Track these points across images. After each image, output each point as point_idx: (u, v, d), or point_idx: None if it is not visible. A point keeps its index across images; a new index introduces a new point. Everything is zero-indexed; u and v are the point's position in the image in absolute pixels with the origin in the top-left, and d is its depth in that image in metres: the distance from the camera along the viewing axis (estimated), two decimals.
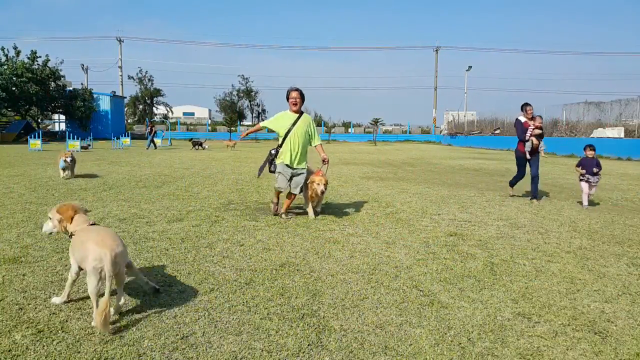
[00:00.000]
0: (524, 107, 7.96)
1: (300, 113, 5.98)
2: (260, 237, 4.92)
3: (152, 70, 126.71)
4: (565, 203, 7.75)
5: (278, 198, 6.24)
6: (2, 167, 12.41)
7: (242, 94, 60.32)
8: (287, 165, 5.86)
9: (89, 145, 24.74)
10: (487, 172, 13.50)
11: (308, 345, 2.53)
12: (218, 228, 5.29)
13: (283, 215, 6.01)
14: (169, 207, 6.54)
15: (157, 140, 30.84)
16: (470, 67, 50.34)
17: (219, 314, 2.90)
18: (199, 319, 2.82)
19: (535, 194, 7.92)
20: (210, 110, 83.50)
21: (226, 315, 2.88)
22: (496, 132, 37.52)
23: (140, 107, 59.99)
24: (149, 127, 26.53)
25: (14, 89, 33.70)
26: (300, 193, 5.99)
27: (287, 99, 5.96)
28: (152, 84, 59.71)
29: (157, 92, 59.62)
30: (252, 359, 2.38)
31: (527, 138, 7.75)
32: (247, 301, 3.12)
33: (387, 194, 8.33)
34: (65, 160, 9.48)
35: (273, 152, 6.07)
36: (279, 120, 6.01)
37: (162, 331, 2.64)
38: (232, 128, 47.60)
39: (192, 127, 56.45)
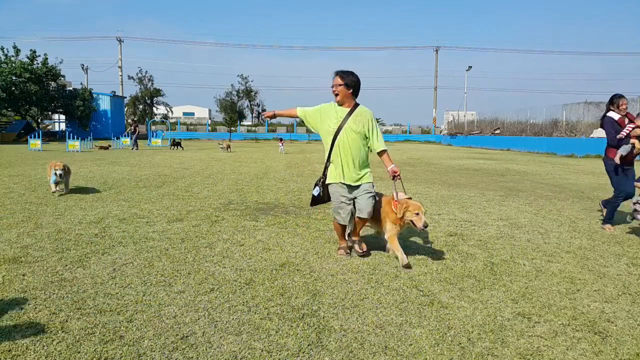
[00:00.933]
0: (615, 100, 5.66)
1: (355, 105, 4.09)
2: (260, 237, 4.92)
3: (152, 70, 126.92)
4: (565, 203, 7.75)
5: (344, 233, 4.38)
6: (2, 167, 12.41)
7: (242, 94, 60.31)
8: (342, 184, 4.10)
9: (110, 145, 24.70)
10: (487, 172, 13.50)
11: (308, 345, 2.53)
12: (218, 228, 5.29)
13: (356, 247, 4.30)
14: (169, 207, 6.54)
15: (156, 140, 30.89)
16: (470, 67, 50.36)
17: (219, 314, 2.90)
18: (199, 319, 2.82)
19: (611, 215, 5.78)
20: (210, 110, 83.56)
21: (226, 315, 2.88)
22: (496, 132, 37.52)
23: (140, 107, 59.99)
24: (132, 127, 25.68)
25: (13, 88, 33.72)
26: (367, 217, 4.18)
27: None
28: (152, 84, 59.73)
29: (157, 92, 59.63)
30: (252, 359, 2.38)
31: (622, 138, 5.51)
32: (247, 301, 3.12)
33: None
34: (56, 174, 7.50)
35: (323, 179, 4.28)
36: (321, 114, 4.16)
37: (162, 331, 2.64)
38: (232, 128, 47.58)
39: (192, 127, 56.49)
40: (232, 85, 66.20)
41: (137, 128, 25.68)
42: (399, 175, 4.12)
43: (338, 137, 4.03)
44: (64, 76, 39.56)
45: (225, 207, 6.67)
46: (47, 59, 36.43)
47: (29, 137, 24.27)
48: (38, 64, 35.78)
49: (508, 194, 8.63)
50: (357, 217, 4.20)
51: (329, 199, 4.27)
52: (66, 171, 7.73)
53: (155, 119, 52.83)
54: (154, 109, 60.44)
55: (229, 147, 24.23)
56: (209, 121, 63.77)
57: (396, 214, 4.02)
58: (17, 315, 2.82)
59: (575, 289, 3.50)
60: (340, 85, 4.02)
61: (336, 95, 4.06)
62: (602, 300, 3.29)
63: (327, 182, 4.19)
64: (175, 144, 25.54)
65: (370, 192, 4.13)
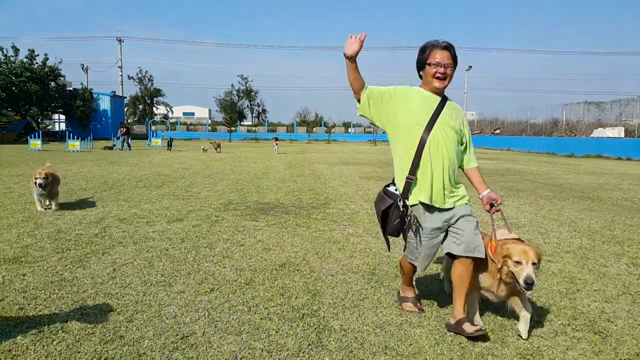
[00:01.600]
0: None
1: (444, 97, 2.81)
2: (260, 237, 4.92)
3: (152, 70, 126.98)
4: (565, 203, 7.74)
5: (413, 275, 3.09)
6: (2, 167, 12.41)
7: (242, 94, 60.37)
8: (428, 205, 2.71)
9: (114, 145, 24.45)
10: (487, 172, 13.50)
11: (308, 345, 2.53)
12: (218, 228, 5.29)
13: (467, 326, 2.61)
14: (169, 207, 6.54)
15: (156, 140, 30.88)
16: (470, 67, 50.37)
17: (219, 314, 2.90)
18: (199, 319, 2.82)
19: None
20: (210, 110, 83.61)
21: (226, 315, 2.88)
22: (496, 132, 37.56)
23: (140, 107, 60.07)
24: (122, 129, 24.87)
25: (13, 88, 33.73)
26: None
27: (422, 64, 2.76)
28: (152, 84, 59.82)
29: (157, 92, 59.71)
30: (252, 359, 2.38)
31: None
32: (247, 301, 3.12)
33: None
34: (36, 183, 5.87)
35: (393, 190, 2.85)
36: (405, 101, 2.76)
37: (162, 331, 2.64)
38: (232, 128, 47.58)
39: (192, 127, 56.51)
40: (232, 85, 66.18)
41: (127, 129, 25.13)
42: (499, 205, 2.80)
43: (430, 134, 2.67)
44: (64, 76, 39.58)
45: (225, 207, 6.67)
46: (47, 59, 36.45)
47: (29, 137, 24.26)
48: (37, 63, 35.78)
49: (508, 194, 8.63)
50: (460, 255, 2.67)
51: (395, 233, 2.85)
52: (51, 180, 6.03)
53: (155, 119, 52.84)
54: (154, 109, 60.51)
55: (219, 146, 22.80)
56: (209, 121, 63.81)
57: (494, 261, 2.66)
58: (17, 315, 2.82)
59: (575, 289, 3.50)
60: (452, 67, 2.72)
61: (443, 79, 2.70)
62: (602, 300, 3.29)
63: (410, 204, 2.74)
64: (169, 144, 24.63)
65: (474, 216, 2.79)
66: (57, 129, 47.59)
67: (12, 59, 34.48)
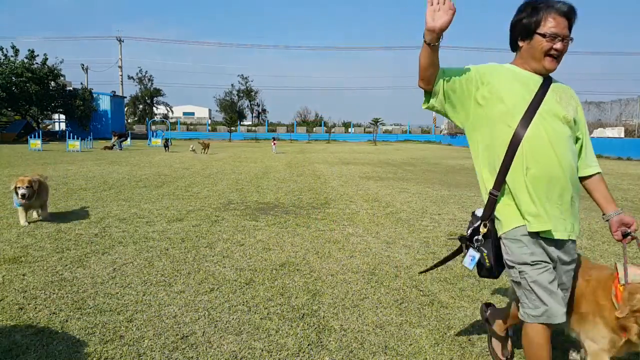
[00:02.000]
0: None
1: (549, 78, 1.95)
2: (260, 237, 4.92)
3: (152, 70, 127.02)
4: None
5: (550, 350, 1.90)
6: (2, 167, 12.41)
7: (242, 94, 60.42)
8: (536, 236, 1.85)
9: (114, 145, 24.23)
10: None
11: (308, 345, 2.53)
12: (218, 228, 5.29)
13: None
14: (169, 207, 6.54)
15: (156, 140, 30.95)
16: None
17: (219, 314, 2.90)
18: (199, 319, 2.82)
19: None
20: (210, 110, 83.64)
21: (226, 315, 2.88)
22: None
23: (140, 107, 60.12)
24: (115, 137, 24.63)
25: (13, 88, 33.76)
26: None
27: (529, 31, 1.87)
28: (152, 83, 59.87)
29: (157, 92, 59.75)
30: (252, 359, 2.38)
31: None
32: (247, 301, 3.12)
33: (387, 194, 8.34)
34: (17, 193, 5.06)
35: (477, 212, 2.05)
36: (493, 84, 1.90)
37: (162, 331, 2.64)
38: (232, 128, 47.59)
39: (192, 127, 56.53)
40: (232, 85, 66.24)
41: (120, 134, 25.05)
42: (635, 232, 1.98)
43: (529, 129, 1.85)
44: (64, 76, 39.61)
45: (225, 207, 6.67)
46: (47, 59, 36.47)
47: (29, 137, 24.27)
48: (37, 63, 35.81)
49: None
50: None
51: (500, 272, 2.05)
52: (36, 189, 5.15)
53: (155, 118, 52.86)
54: (154, 108, 60.56)
55: (207, 147, 21.58)
56: (209, 121, 63.83)
57: (618, 309, 1.85)
58: (17, 315, 2.82)
59: None
60: (569, 40, 1.89)
61: (555, 57, 1.89)
62: None
63: (503, 231, 1.92)
64: (165, 145, 23.25)
65: (572, 265, 1.99)
66: (57, 128, 47.60)
67: (12, 59, 34.50)
